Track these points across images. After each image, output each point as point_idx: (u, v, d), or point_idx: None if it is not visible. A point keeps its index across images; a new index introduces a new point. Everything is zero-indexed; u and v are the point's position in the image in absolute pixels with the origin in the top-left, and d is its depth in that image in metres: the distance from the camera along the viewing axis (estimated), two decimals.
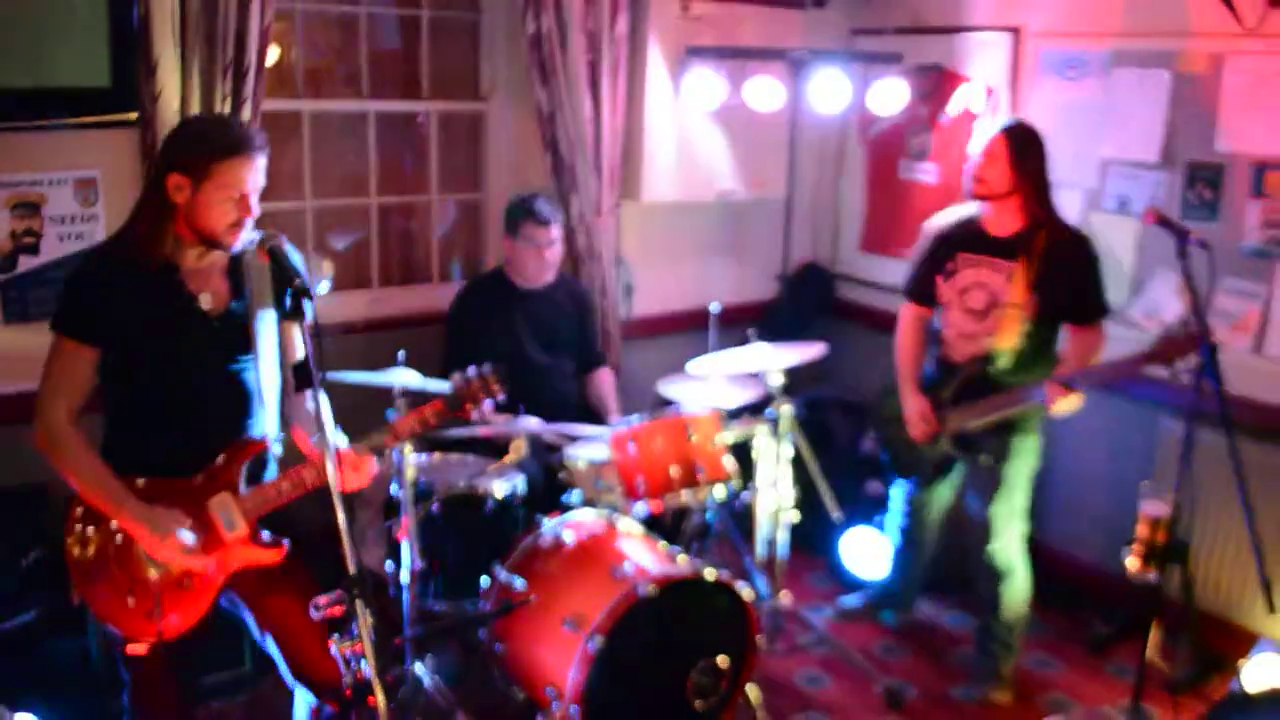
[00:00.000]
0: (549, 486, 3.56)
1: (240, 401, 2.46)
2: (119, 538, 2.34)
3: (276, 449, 2.53)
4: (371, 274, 4.31)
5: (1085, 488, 4.18)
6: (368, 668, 1.98)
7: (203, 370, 2.39)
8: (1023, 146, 3.20)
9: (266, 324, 2.47)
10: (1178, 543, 2.97)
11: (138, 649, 2.37)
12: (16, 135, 3.22)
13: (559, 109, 4.08)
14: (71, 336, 2.32)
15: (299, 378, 2.20)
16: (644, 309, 4.69)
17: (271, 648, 2.53)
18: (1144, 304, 3.90)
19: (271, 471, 2.57)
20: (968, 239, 3.35)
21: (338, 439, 2.52)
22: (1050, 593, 3.63)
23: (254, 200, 2.33)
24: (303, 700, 2.59)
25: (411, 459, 3.04)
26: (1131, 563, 3.00)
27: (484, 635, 3.15)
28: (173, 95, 3.30)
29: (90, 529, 2.36)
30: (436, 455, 3.56)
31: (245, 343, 2.43)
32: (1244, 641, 3.49)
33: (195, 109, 3.31)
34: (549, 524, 3.23)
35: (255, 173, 2.32)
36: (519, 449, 3.40)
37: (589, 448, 3.57)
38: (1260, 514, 2.99)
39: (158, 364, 2.36)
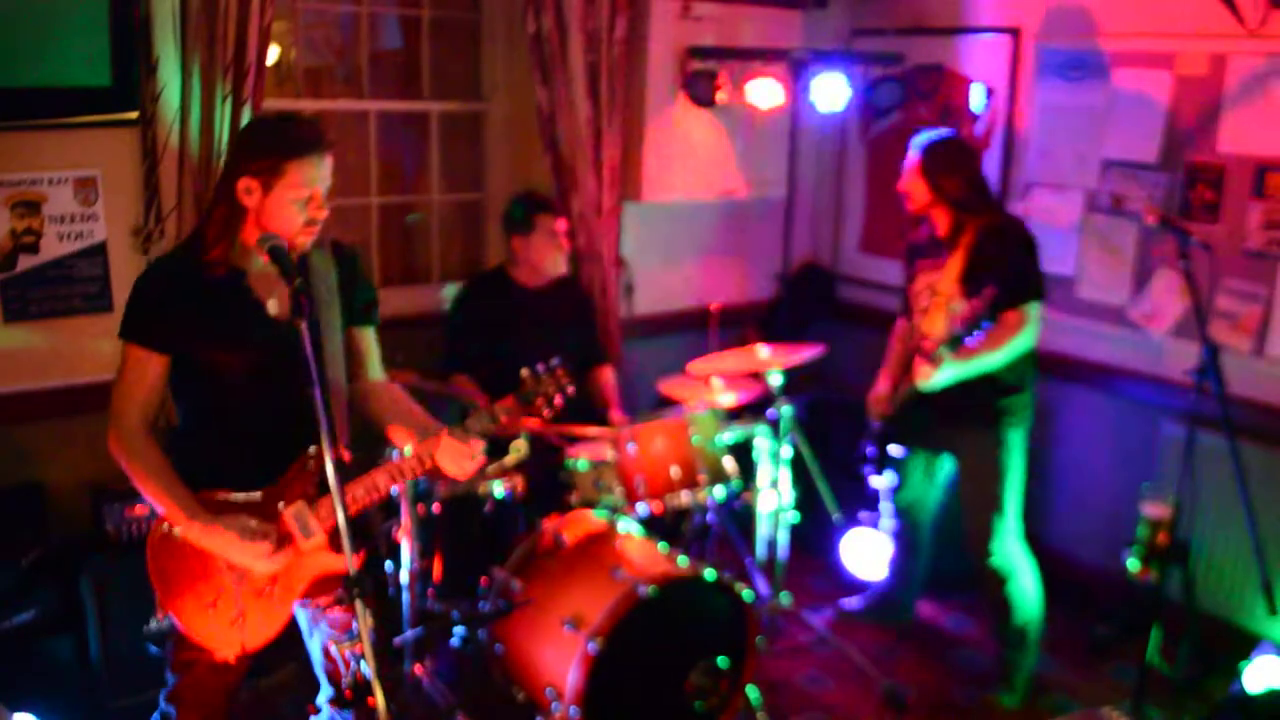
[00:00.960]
0: (549, 487, 3.56)
1: (308, 408, 2.43)
2: (201, 549, 2.31)
3: (346, 456, 2.49)
4: (372, 274, 4.31)
5: (1087, 489, 4.18)
6: (367, 668, 1.97)
7: (273, 377, 2.34)
8: (936, 164, 3.31)
9: (334, 328, 2.44)
10: (1179, 544, 2.97)
11: (224, 657, 2.36)
12: (17, 134, 3.21)
13: (559, 109, 4.08)
14: (139, 344, 2.28)
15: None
16: (644, 309, 4.68)
17: (314, 643, 2.53)
18: (1144, 305, 3.89)
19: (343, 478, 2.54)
20: (924, 247, 3.48)
21: (430, 423, 2.46)
22: (1051, 593, 3.62)
23: (324, 199, 2.31)
24: (325, 692, 2.60)
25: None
26: (1132, 564, 3.00)
27: (484, 636, 3.15)
28: (173, 95, 3.30)
29: (174, 541, 2.33)
30: None
31: (313, 347, 2.41)
32: (1245, 643, 3.49)
33: (195, 108, 3.31)
34: (549, 525, 3.23)
35: (326, 171, 2.31)
36: (519, 449, 3.40)
37: (589, 448, 3.57)
38: (1261, 515, 2.99)
39: (227, 370, 2.32)
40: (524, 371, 2.49)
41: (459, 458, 2.36)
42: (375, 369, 2.60)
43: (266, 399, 2.34)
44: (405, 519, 3.03)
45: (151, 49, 3.25)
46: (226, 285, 2.30)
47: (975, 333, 3.03)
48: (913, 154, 3.35)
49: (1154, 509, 3.00)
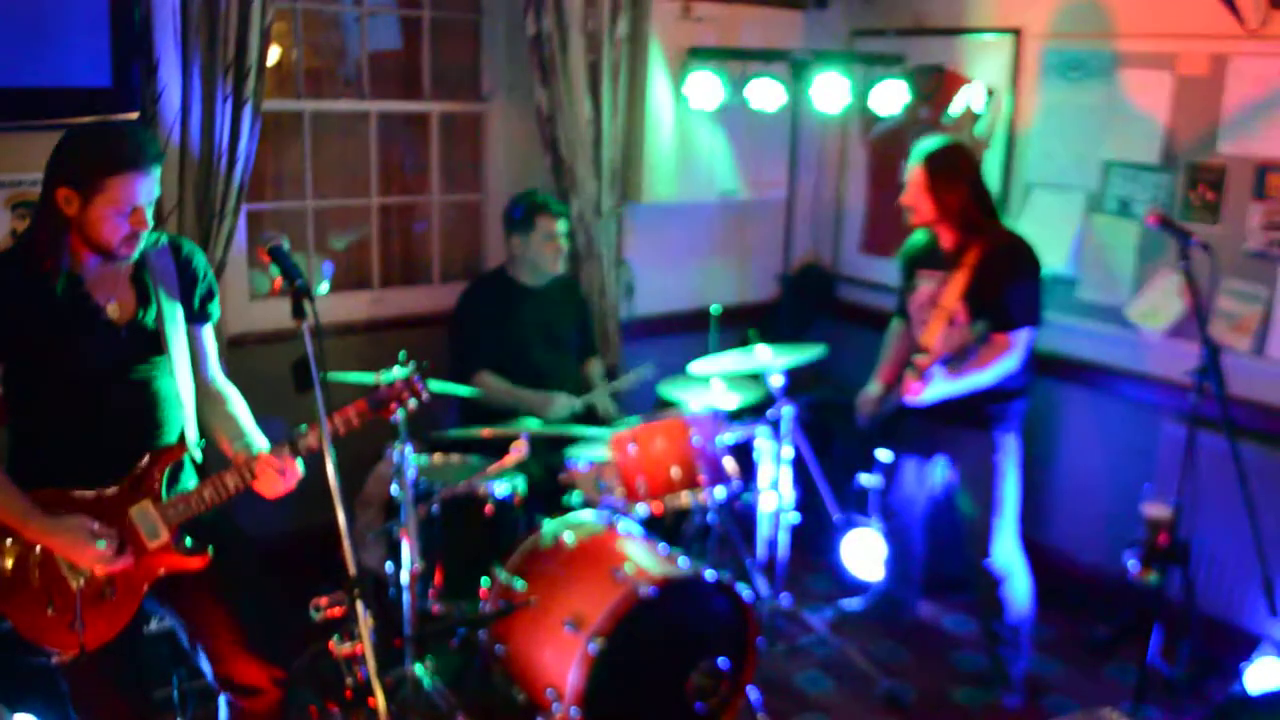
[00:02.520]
0: (549, 487, 3.56)
1: (153, 409, 2.41)
2: (38, 549, 2.30)
3: (196, 455, 2.49)
4: (372, 274, 4.31)
5: (1087, 490, 4.18)
6: (368, 669, 1.97)
7: (112, 380, 2.35)
8: (940, 174, 3.27)
9: (177, 327, 2.43)
10: (1179, 544, 2.97)
11: (61, 659, 2.33)
12: (17, 135, 3.21)
13: (559, 110, 4.08)
14: None
15: (299, 378, 2.18)
16: (645, 309, 4.68)
17: (199, 654, 2.51)
18: (1144, 306, 3.89)
19: (189, 477, 2.53)
20: (924, 256, 3.46)
21: (259, 442, 2.50)
22: (1051, 594, 3.62)
23: (149, 213, 2.28)
24: (223, 706, 2.58)
25: (411, 458, 3.04)
26: (1133, 565, 3.00)
27: (484, 636, 3.15)
28: (174, 95, 3.30)
29: (7, 541, 2.31)
30: (437, 456, 3.56)
31: (156, 349, 2.40)
32: (1245, 644, 3.49)
33: (196, 109, 3.31)
34: (549, 525, 3.23)
35: (148, 186, 2.26)
36: (519, 449, 3.40)
37: (590, 448, 3.57)
38: (1262, 516, 2.99)
39: (65, 375, 2.31)
40: (380, 374, 2.54)
41: (271, 480, 2.38)
42: (212, 368, 2.59)
43: (107, 400, 2.35)
44: (406, 519, 3.02)
45: (152, 49, 3.25)
46: (64, 291, 2.28)
47: (966, 359, 3.10)
48: (915, 166, 3.31)
49: (1154, 509, 3.01)
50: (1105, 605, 3.99)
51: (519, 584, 3.08)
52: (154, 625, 3.09)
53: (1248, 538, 3.00)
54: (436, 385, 3.33)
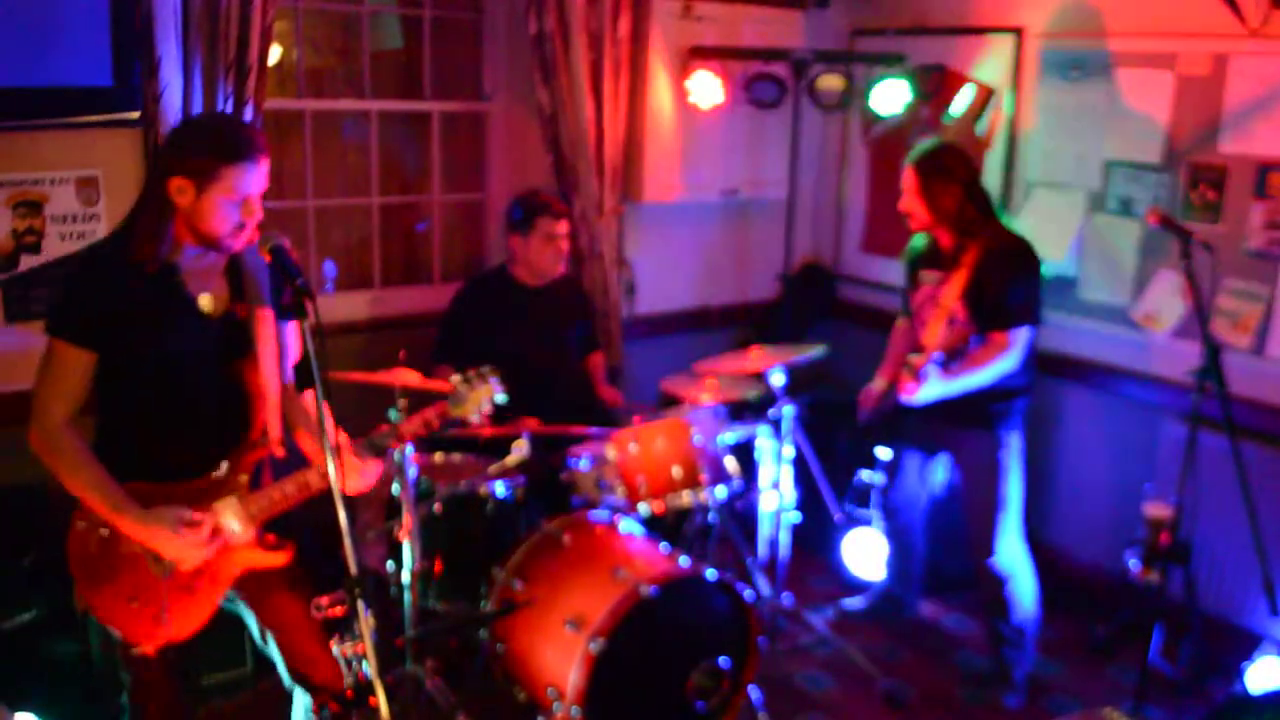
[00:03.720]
0: (550, 487, 3.56)
1: (242, 404, 2.44)
2: (125, 542, 2.32)
3: (280, 451, 2.51)
4: (373, 274, 4.31)
5: (1088, 489, 4.18)
6: (368, 668, 1.97)
7: (204, 373, 2.37)
8: (932, 176, 3.27)
9: (267, 324, 2.45)
10: (1180, 544, 2.97)
11: (144, 651, 2.36)
12: (18, 134, 3.21)
13: (561, 109, 4.08)
14: (67, 340, 2.27)
15: (300, 378, 2.19)
16: (646, 309, 4.69)
17: (272, 648, 2.53)
18: (1146, 305, 3.89)
19: (271, 474, 2.55)
20: (926, 255, 3.46)
21: (339, 440, 2.53)
22: (1051, 593, 3.62)
23: (258, 203, 2.30)
24: (300, 701, 2.59)
25: (412, 458, 3.04)
26: (1134, 564, 3.00)
27: (484, 636, 3.15)
28: (175, 94, 3.30)
29: (94, 534, 2.34)
30: (437, 455, 3.56)
31: (246, 343, 2.41)
32: (1246, 643, 3.49)
33: (197, 108, 3.31)
34: (550, 525, 3.23)
35: (261, 176, 2.28)
36: (520, 449, 3.40)
37: (590, 448, 3.57)
38: (1263, 516, 2.99)
39: (158, 367, 2.32)
40: (454, 377, 2.54)
41: (350, 478, 2.42)
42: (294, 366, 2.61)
43: (198, 394, 2.36)
44: (406, 519, 3.02)
45: (153, 49, 3.25)
46: (158, 281, 2.29)
47: (962, 358, 3.12)
48: (908, 172, 3.31)
49: (1155, 509, 3.01)
50: (1105, 605, 3.99)
51: (519, 584, 3.08)
52: None
53: (1248, 537, 3.00)
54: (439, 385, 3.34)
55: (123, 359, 2.30)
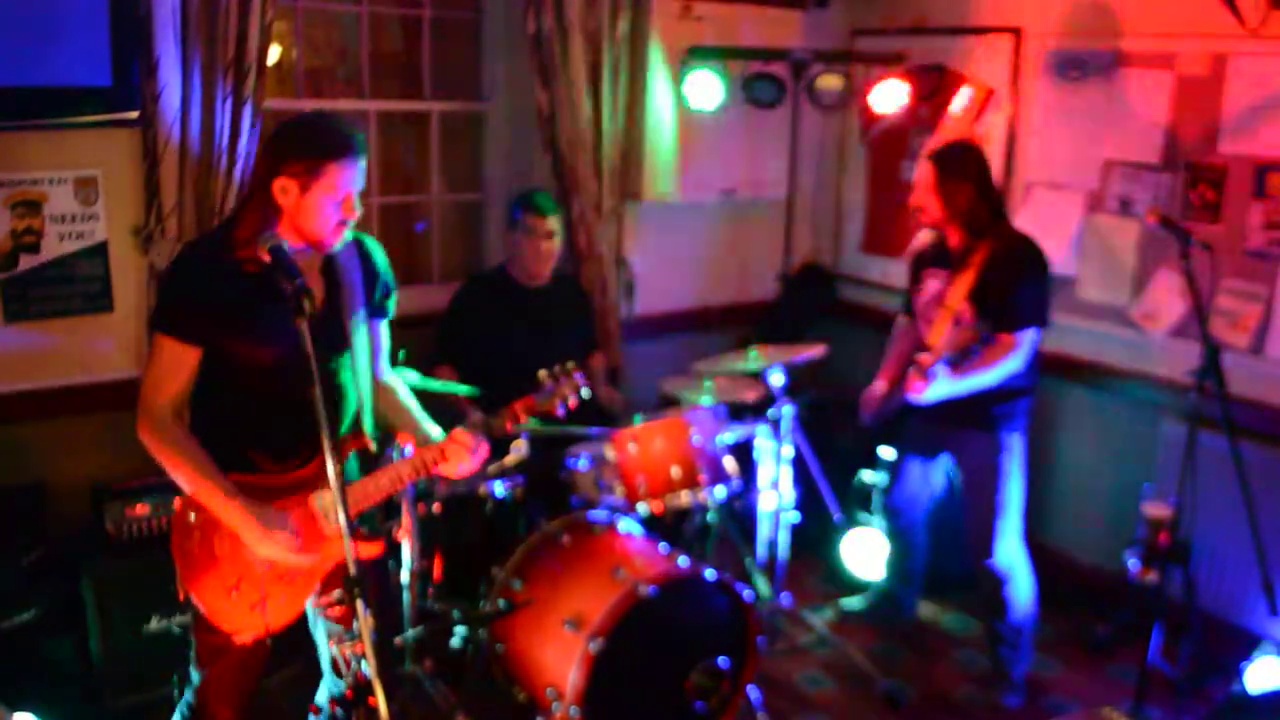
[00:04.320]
0: (550, 487, 3.55)
1: (337, 398, 2.47)
2: (225, 531, 2.34)
3: (372, 446, 2.53)
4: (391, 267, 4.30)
5: (1087, 489, 4.18)
6: (368, 668, 1.97)
7: (301, 367, 2.38)
8: (948, 173, 3.27)
9: (359, 321, 2.49)
10: (1179, 544, 2.98)
11: (243, 639, 2.38)
12: (17, 134, 3.21)
13: (560, 109, 4.08)
14: (174, 336, 2.30)
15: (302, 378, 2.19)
16: (645, 309, 4.68)
17: (319, 633, 2.57)
18: (1145, 305, 3.89)
19: (361, 468, 2.58)
20: (932, 255, 3.44)
21: (432, 430, 2.58)
22: (1051, 593, 3.62)
23: (357, 201, 2.33)
24: (326, 688, 2.64)
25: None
26: (1134, 564, 3.00)
27: (484, 636, 3.15)
28: (173, 94, 3.30)
29: (198, 524, 2.36)
30: None
31: (342, 340, 2.44)
32: (1246, 643, 3.49)
33: (196, 108, 3.30)
34: (549, 525, 3.23)
35: (359, 174, 2.32)
36: (520, 449, 3.40)
37: (590, 448, 3.57)
38: (1262, 516, 2.99)
39: (258, 364, 2.35)
40: (542, 373, 2.60)
41: (460, 459, 2.47)
42: (384, 364, 2.65)
43: (295, 390, 2.35)
44: (406, 519, 3.02)
45: (152, 49, 3.25)
46: (260, 279, 2.30)
47: (970, 358, 3.09)
48: (924, 166, 3.31)
49: (1155, 509, 3.01)
50: (1105, 605, 3.99)
51: (519, 584, 3.08)
52: (153, 624, 3.10)
53: (1248, 537, 3.00)
54: (438, 384, 3.34)
55: (226, 355, 2.33)
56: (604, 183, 4.23)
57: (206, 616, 2.38)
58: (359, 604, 1.97)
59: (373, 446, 2.53)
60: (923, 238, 3.53)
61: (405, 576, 3.05)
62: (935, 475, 3.63)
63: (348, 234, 2.38)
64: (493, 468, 3.40)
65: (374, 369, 2.60)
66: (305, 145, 2.28)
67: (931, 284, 3.42)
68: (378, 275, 2.58)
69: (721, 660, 2.97)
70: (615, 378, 4.38)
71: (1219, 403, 2.89)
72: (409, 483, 2.51)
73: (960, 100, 4.40)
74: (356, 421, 2.52)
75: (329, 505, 2.38)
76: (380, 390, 2.62)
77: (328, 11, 4.08)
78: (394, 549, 3.10)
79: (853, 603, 4.05)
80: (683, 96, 4.38)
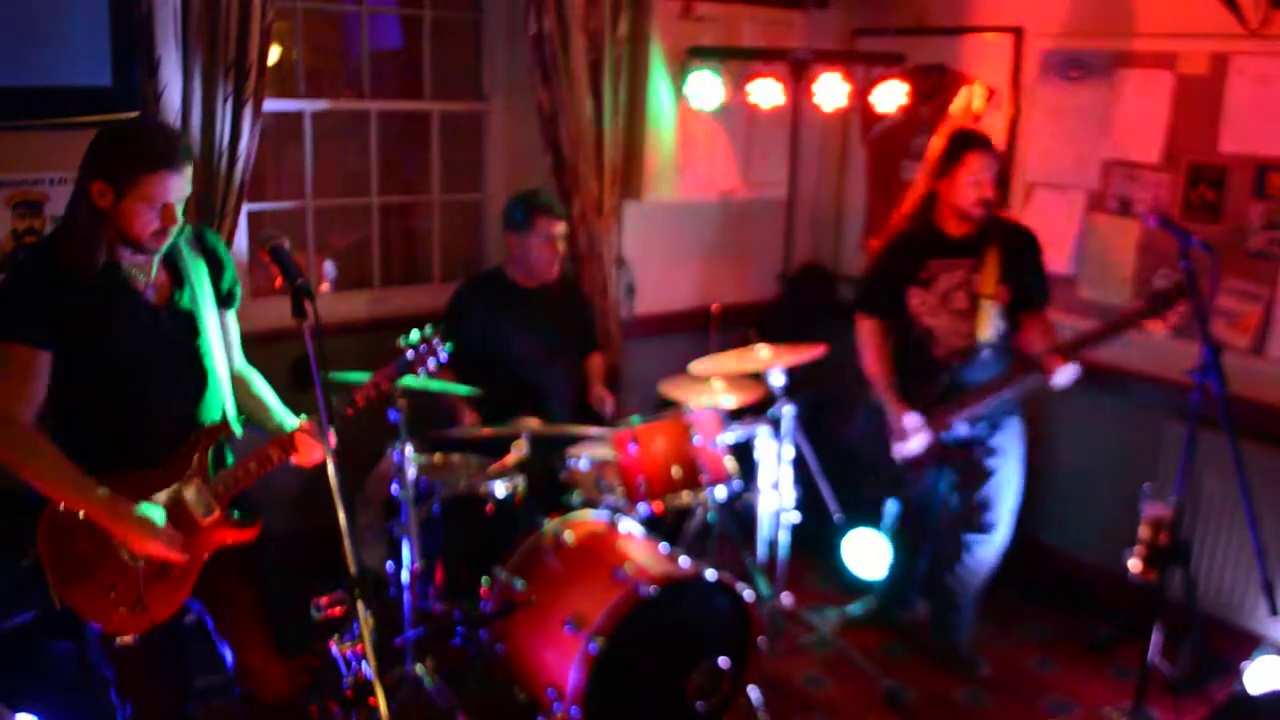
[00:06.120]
0: (550, 487, 3.55)
1: (193, 389, 2.47)
2: (95, 535, 2.34)
3: (238, 431, 2.55)
4: (373, 274, 4.31)
5: (1087, 489, 4.18)
6: (368, 668, 1.97)
7: (154, 361, 2.40)
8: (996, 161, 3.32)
9: (209, 310, 2.49)
10: (1180, 544, 2.97)
11: (125, 640, 2.39)
12: (18, 134, 3.21)
13: (560, 109, 4.08)
14: (21, 342, 2.28)
15: (299, 377, 2.20)
16: (645, 309, 4.68)
17: (224, 643, 2.59)
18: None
19: (228, 455, 2.59)
20: (931, 245, 3.38)
21: (287, 420, 2.59)
22: (1052, 594, 3.62)
23: (179, 209, 2.32)
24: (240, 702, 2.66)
25: (412, 458, 3.04)
26: (1133, 564, 3.00)
27: (485, 636, 3.15)
28: (174, 94, 3.30)
29: (64, 531, 2.37)
30: (437, 455, 3.56)
31: (193, 330, 2.45)
32: (1246, 643, 3.49)
33: (197, 108, 3.31)
34: (550, 525, 3.23)
35: (180, 184, 2.30)
36: (520, 449, 3.40)
37: (590, 448, 3.57)
38: (1263, 516, 2.99)
39: (112, 360, 2.35)
40: (400, 340, 2.66)
41: (309, 449, 2.48)
42: (237, 354, 2.66)
43: (153, 383, 2.40)
44: (406, 519, 3.02)
45: (152, 49, 3.25)
46: (103, 277, 2.32)
47: (1085, 341, 3.19)
48: (988, 157, 3.24)
49: (1155, 509, 3.00)
50: (1105, 605, 3.99)
51: (519, 584, 3.08)
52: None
53: (1248, 537, 3.00)
54: (437, 385, 3.34)
55: (78, 355, 2.33)
56: (604, 183, 4.23)
57: (91, 622, 2.38)
58: (359, 604, 1.98)
59: (239, 432, 2.55)
60: (902, 229, 3.44)
61: (405, 576, 3.05)
62: (947, 475, 3.59)
63: (174, 239, 2.36)
64: (493, 468, 3.40)
65: (229, 359, 2.60)
66: (119, 154, 2.27)
67: (947, 275, 3.37)
68: (223, 266, 2.56)
69: (722, 660, 2.97)
70: (615, 378, 4.37)
71: (1219, 403, 2.88)
72: (267, 470, 2.49)
73: (961, 100, 4.40)
74: (222, 409, 2.53)
75: (203, 496, 2.40)
76: (236, 381, 2.62)
77: (328, 11, 4.08)
78: (394, 549, 3.11)
79: (855, 608, 4.04)
80: (683, 96, 4.38)
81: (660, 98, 4.36)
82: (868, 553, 4.15)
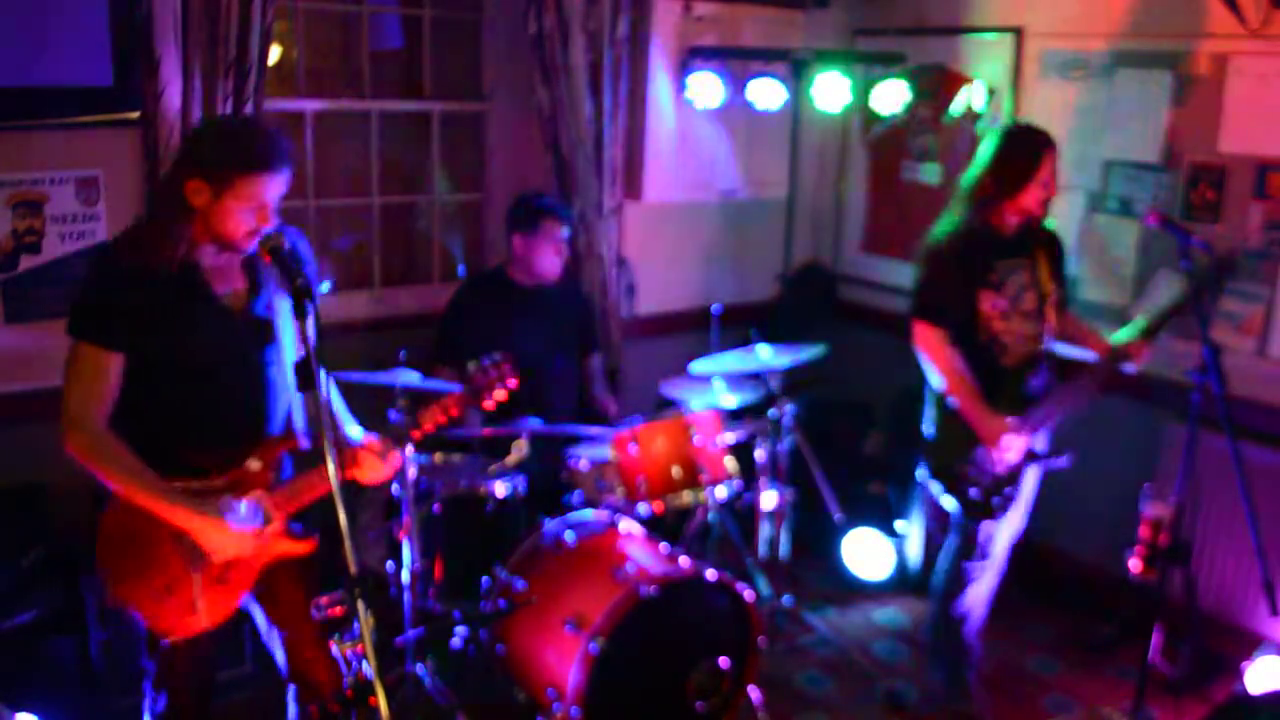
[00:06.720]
0: (550, 487, 3.55)
1: (265, 397, 2.45)
2: (157, 536, 2.33)
3: (304, 443, 2.52)
4: (373, 274, 4.31)
5: (1088, 489, 4.17)
6: (368, 668, 1.97)
7: (227, 368, 2.38)
8: None
9: (285, 316, 2.46)
10: (1180, 544, 2.97)
11: (175, 640, 2.38)
12: (18, 134, 3.21)
13: (561, 109, 4.08)
14: (95, 343, 2.26)
15: (300, 377, 2.18)
16: (645, 309, 4.68)
17: (275, 642, 2.56)
18: (1145, 305, 3.89)
19: (292, 465, 2.57)
20: (994, 246, 3.13)
21: (354, 432, 2.57)
22: (1052, 594, 3.62)
23: (274, 210, 2.30)
24: (293, 699, 2.62)
25: (411, 457, 3.04)
26: (1133, 564, 3.00)
27: (485, 636, 3.15)
28: (174, 94, 3.30)
29: (125, 529, 2.35)
30: (437, 455, 3.56)
31: (268, 337, 2.42)
32: (1246, 644, 3.49)
33: (197, 108, 3.31)
34: (550, 524, 3.23)
35: (278, 186, 2.29)
36: (520, 449, 3.40)
37: (591, 448, 3.57)
38: (1263, 516, 2.99)
39: (183, 365, 2.33)
40: (470, 365, 2.61)
41: (373, 467, 2.47)
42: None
43: (224, 389, 2.37)
44: (406, 519, 3.02)
45: (152, 49, 3.25)
46: (180, 279, 2.30)
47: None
48: (1053, 154, 3.07)
49: (1155, 509, 3.00)
50: (1105, 605, 3.99)
51: (519, 583, 3.08)
52: None
53: (1248, 537, 3.00)
54: (437, 385, 3.34)
55: (149, 359, 2.30)
56: (604, 183, 4.23)
57: (140, 619, 2.37)
58: (359, 604, 1.98)
59: (304, 445, 2.51)
60: (953, 234, 3.13)
61: (406, 576, 3.05)
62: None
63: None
64: (493, 468, 3.40)
65: None
66: (220, 154, 2.24)
67: (1014, 276, 3.14)
68: (302, 268, 2.55)
69: (722, 660, 2.97)
70: (615, 378, 4.38)
71: (1219, 403, 2.88)
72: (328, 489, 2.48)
73: (961, 100, 4.40)
74: (287, 420, 2.50)
75: (262, 506, 2.37)
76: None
77: (328, 12, 4.08)
78: (394, 549, 3.11)
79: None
80: (683, 97, 4.38)
81: (660, 98, 4.36)
82: (868, 553, 4.15)
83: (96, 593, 3.11)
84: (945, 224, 3.17)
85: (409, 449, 2.97)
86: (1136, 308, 3.90)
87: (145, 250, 2.27)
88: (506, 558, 3.18)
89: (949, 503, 3.20)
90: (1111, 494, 4.06)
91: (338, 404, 2.63)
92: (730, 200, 4.77)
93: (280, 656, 2.57)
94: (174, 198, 2.26)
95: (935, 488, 3.22)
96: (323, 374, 2.62)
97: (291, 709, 2.62)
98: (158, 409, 2.36)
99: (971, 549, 3.25)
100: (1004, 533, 3.26)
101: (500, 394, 2.62)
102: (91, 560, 3.11)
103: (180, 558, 2.34)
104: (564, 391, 3.96)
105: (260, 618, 2.57)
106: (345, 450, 2.47)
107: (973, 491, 3.14)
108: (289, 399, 2.49)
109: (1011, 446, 3.09)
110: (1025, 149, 3.06)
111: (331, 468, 2.06)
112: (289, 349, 2.46)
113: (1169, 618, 3.22)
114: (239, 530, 2.30)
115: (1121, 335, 3.13)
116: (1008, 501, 3.17)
